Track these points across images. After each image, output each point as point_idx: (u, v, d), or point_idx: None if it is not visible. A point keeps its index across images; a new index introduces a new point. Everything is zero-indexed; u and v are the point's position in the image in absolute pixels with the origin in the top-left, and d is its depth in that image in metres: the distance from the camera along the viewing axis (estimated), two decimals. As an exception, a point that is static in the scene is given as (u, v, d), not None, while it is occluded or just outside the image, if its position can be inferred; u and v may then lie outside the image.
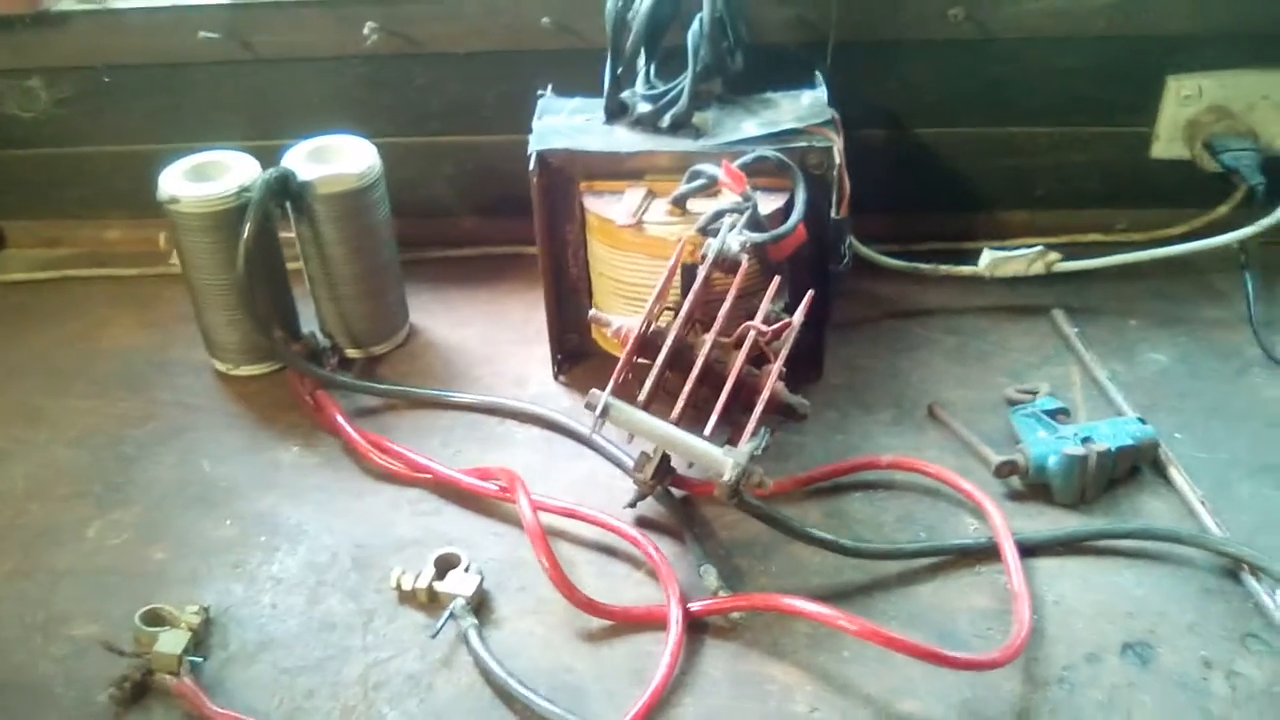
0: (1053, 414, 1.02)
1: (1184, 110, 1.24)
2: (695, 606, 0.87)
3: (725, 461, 0.83)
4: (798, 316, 0.89)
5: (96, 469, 1.07)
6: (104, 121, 1.34)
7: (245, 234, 1.04)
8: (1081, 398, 1.08)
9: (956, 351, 1.16)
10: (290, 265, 1.17)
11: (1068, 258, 1.20)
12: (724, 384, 0.87)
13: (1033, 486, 0.98)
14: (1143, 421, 1.00)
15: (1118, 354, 1.14)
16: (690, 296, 0.90)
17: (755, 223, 0.95)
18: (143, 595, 0.92)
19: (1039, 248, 1.19)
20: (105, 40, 1.28)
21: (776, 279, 0.91)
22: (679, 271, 0.94)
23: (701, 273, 0.91)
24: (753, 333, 0.87)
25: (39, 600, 0.93)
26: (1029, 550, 0.91)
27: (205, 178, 1.08)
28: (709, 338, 0.88)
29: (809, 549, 0.93)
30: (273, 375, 1.17)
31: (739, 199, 0.95)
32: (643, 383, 0.89)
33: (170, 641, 0.85)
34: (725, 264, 0.92)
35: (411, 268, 1.25)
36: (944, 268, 1.21)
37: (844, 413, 1.08)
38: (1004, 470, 0.97)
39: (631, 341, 0.88)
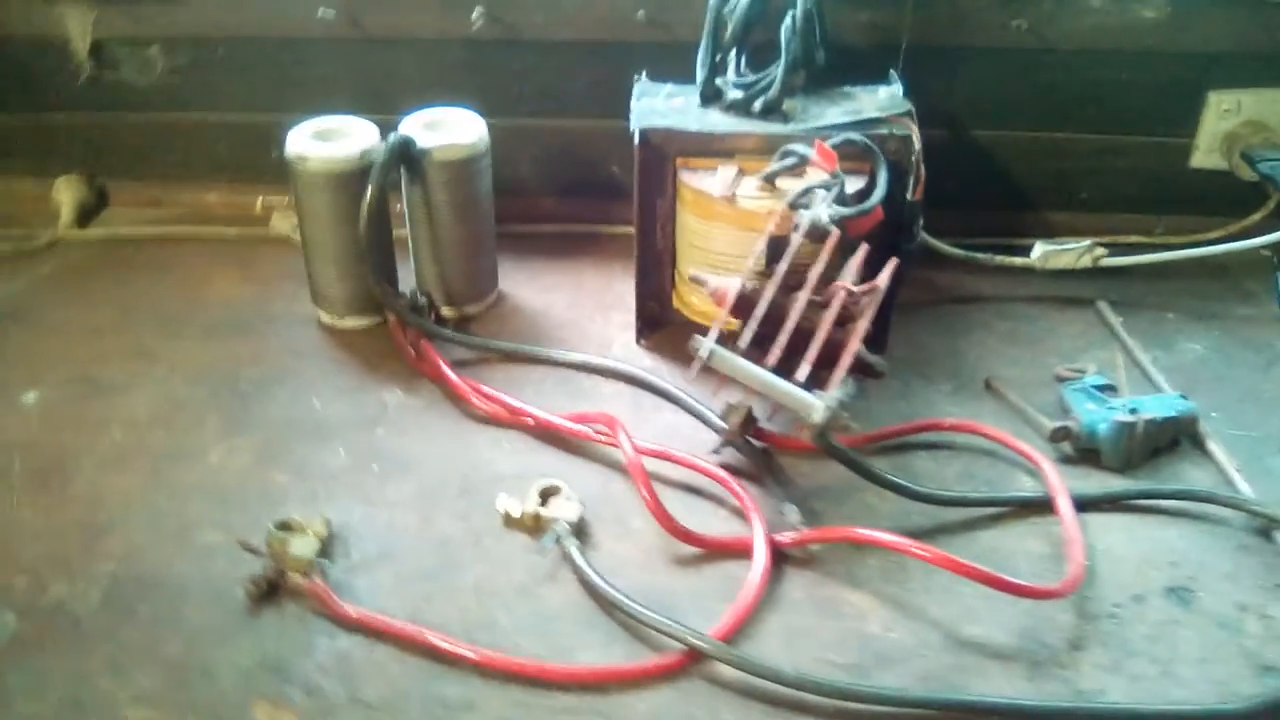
0: (1101, 389, 1.11)
1: (1223, 123, 1.34)
2: (781, 538, 0.95)
3: (816, 404, 0.92)
4: (883, 279, 0.98)
5: (213, 402, 1.16)
6: (213, 91, 1.43)
7: (370, 193, 1.13)
8: (1125, 378, 1.17)
9: (1009, 335, 1.26)
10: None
11: (1112, 254, 1.30)
12: (811, 339, 0.96)
13: (1082, 452, 1.06)
14: (1184, 398, 1.09)
15: (1157, 342, 1.24)
16: (785, 261, 0.99)
17: (841, 199, 1.04)
18: (267, 510, 1.00)
19: (1087, 243, 1.28)
20: (226, 15, 1.37)
21: (864, 248, 1.00)
22: (765, 241, 1.03)
23: (796, 240, 1.00)
24: (842, 292, 0.97)
25: (170, 511, 1.02)
26: (1080, 505, 1.00)
27: (329, 139, 1.18)
28: (802, 296, 0.97)
29: (879, 496, 1.01)
30: (374, 328, 1.26)
31: (828, 177, 1.05)
32: (731, 339, 0.98)
33: (303, 546, 0.93)
34: (815, 234, 1.01)
35: (498, 240, 1.34)
36: (999, 258, 1.31)
37: (906, 383, 1.17)
38: (1058, 435, 1.06)
39: (732, 297, 0.97)
